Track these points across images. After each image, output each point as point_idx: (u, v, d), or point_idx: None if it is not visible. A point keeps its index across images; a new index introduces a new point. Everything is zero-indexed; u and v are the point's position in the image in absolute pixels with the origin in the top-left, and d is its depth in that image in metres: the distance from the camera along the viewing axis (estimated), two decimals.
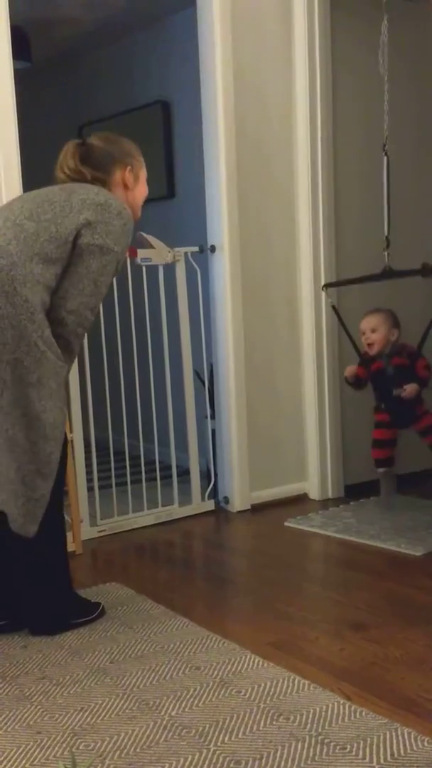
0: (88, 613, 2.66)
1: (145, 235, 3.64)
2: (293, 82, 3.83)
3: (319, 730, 1.97)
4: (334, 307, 3.66)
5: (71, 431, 3.35)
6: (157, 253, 3.65)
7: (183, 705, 2.12)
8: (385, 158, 3.54)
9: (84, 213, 2.43)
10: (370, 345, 3.54)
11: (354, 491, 3.97)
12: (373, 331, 3.52)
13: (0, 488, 2.44)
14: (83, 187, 2.52)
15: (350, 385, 3.66)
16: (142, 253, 3.60)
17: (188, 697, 2.16)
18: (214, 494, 3.92)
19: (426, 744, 1.89)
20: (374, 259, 3.88)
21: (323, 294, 3.88)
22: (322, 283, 3.88)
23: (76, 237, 2.42)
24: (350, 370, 3.62)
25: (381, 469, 3.69)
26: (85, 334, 2.55)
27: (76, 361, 3.38)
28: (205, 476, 3.98)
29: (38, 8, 4.25)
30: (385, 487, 3.69)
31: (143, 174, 2.71)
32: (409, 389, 3.44)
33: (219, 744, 1.93)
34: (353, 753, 1.86)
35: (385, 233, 3.50)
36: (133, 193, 2.67)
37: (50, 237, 2.39)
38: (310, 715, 2.03)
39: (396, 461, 3.71)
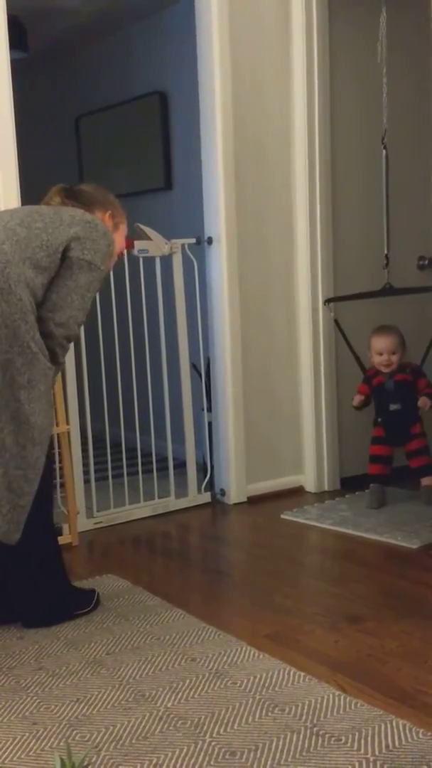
0: (85, 604, 2.66)
1: (142, 226, 3.63)
2: (291, 73, 3.81)
3: (315, 721, 1.97)
4: (336, 322, 3.68)
5: (68, 423, 3.34)
6: (154, 244, 3.64)
7: (179, 696, 2.12)
8: (383, 151, 3.54)
9: (74, 227, 2.45)
10: (388, 365, 3.59)
11: (350, 484, 3.97)
12: (393, 353, 3.57)
13: None
14: (70, 208, 2.57)
15: (358, 409, 3.72)
16: (139, 244, 3.59)
17: (184, 688, 2.16)
18: (210, 486, 3.92)
19: (421, 736, 1.89)
20: (374, 248, 3.88)
21: (320, 288, 3.88)
22: (320, 275, 3.88)
23: (65, 249, 2.42)
24: (358, 399, 3.67)
25: (374, 484, 3.72)
26: (71, 348, 2.55)
27: (73, 352, 3.39)
28: (202, 468, 3.97)
29: None
30: (370, 499, 3.69)
31: (123, 228, 2.75)
32: (422, 401, 3.54)
33: (214, 735, 1.93)
34: (348, 744, 1.87)
35: (385, 251, 3.54)
36: None
37: (41, 244, 2.40)
38: (306, 707, 2.04)
39: (390, 479, 3.74)
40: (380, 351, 3.58)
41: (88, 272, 2.45)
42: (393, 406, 3.60)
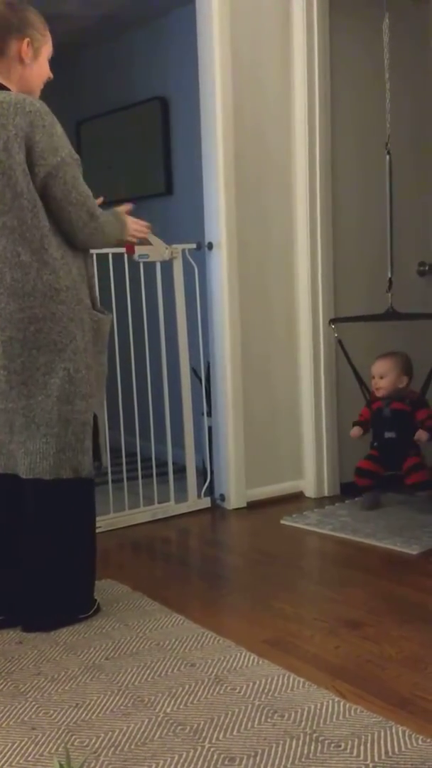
0: (85, 609, 2.66)
1: None
2: (292, 79, 3.82)
3: (314, 727, 1.97)
4: (340, 342, 3.69)
5: None
6: (154, 249, 3.64)
7: (178, 702, 2.12)
8: (387, 157, 3.53)
9: (13, 148, 2.28)
10: (377, 389, 3.62)
11: (350, 489, 3.96)
12: (381, 377, 3.59)
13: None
14: None
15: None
16: (139, 249, 3.59)
17: (183, 694, 2.16)
18: (210, 491, 3.91)
19: (420, 742, 1.89)
20: (375, 253, 3.89)
21: (320, 293, 3.88)
22: (320, 281, 3.88)
23: (34, 184, 2.35)
24: (356, 432, 3.69)
25: (364, 493, 3.74)
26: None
27: None
28: (202, 473, 3.97)
29: (37, 4, 4.23)
30: (364, 500, 3.70)
31: (46, 51, 2.48)
32: (419, 434, 3.54)
33: (213, 741, 1.93)
34: (347, 751, 1.87)
35: (389, 275, 3.56)
36: (29, 69, 2.45)
37: (27, 214, 2.35)
38: (305, 713, 2.03)
39: (379, 490, 3.73)
40: (373, 374, 3.64)
41: (56, 179, 2.37)
42: (387, 434, 3.62)
